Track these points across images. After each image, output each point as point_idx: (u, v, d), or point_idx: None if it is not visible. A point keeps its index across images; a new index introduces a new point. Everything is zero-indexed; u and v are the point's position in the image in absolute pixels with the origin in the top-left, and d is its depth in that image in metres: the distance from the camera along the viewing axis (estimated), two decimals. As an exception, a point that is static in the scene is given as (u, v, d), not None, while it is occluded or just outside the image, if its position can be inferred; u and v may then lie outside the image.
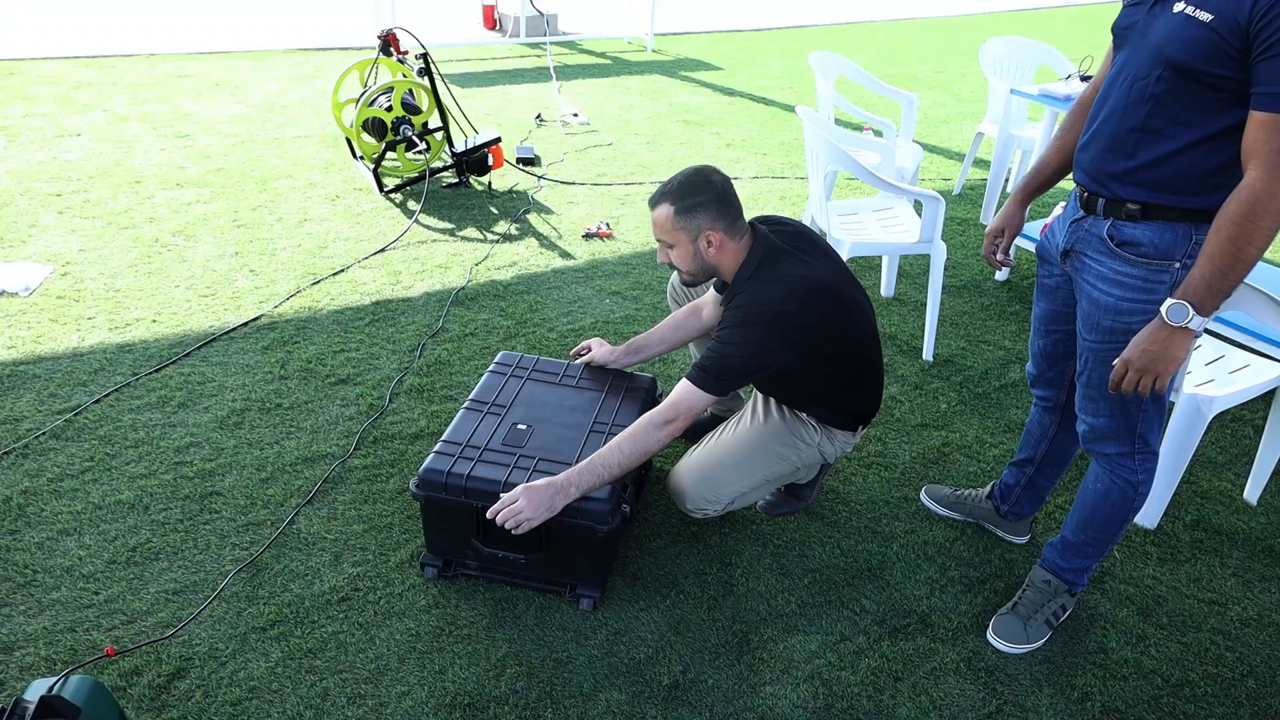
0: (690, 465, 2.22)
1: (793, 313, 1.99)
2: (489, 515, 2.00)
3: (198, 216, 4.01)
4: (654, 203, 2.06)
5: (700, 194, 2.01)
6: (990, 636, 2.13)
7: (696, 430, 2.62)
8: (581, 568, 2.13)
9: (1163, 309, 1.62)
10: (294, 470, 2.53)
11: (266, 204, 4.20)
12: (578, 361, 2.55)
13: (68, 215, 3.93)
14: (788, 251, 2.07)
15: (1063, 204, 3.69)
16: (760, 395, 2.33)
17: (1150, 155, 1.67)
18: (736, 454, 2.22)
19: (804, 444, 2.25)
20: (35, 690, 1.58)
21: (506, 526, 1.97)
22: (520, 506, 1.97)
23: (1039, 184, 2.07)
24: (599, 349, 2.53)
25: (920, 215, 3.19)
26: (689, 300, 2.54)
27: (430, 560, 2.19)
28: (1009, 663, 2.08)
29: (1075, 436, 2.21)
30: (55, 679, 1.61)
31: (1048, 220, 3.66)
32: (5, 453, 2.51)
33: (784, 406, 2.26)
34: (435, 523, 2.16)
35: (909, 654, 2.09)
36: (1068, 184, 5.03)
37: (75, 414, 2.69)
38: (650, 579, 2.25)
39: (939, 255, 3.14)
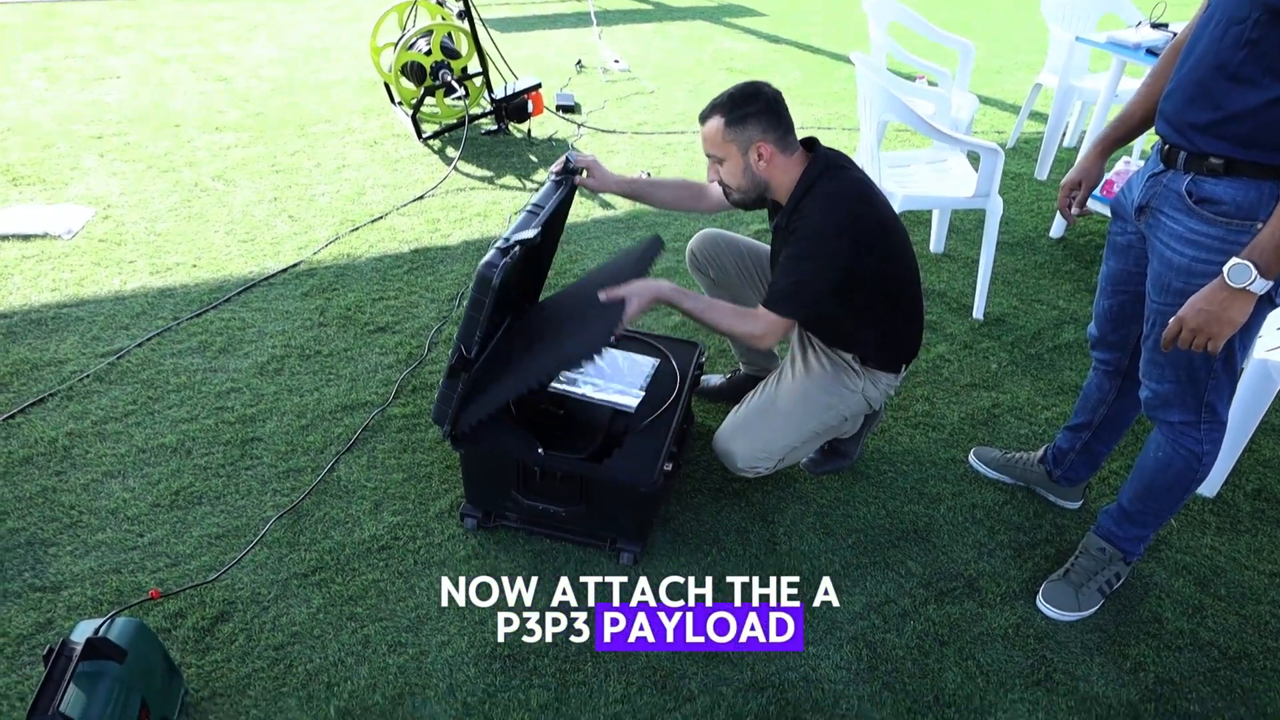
0: (736, 425, 2.17)
1: (861, 216, 1.95)
2: (602, 295, 1.98)
3: (236, 161, 3.98)
4: (704, 116, 2.00)
5: (751, 105, 1.94)
6: (1040, 603, 2.08)
7: (736, 391, 2.56)
8: (623, 522, 2.11)
9: (1225, 269, 1.52)
10: (333, 418, 2.52)
11: (305, 149, 4.16)
12: (557, 174, 2.22)
13: (108, 158, 3.92)
14: (845, 165, 2.03)
15: (1127, 159, 3.54)
16: (798, 348, 2.26)
17: (1239, 105, 1.55)
18: (782, 408, 2.16)
19: (848, 390, 2.18)
20: (82, 631, 1.59)
21: (612, 297, 1.96)
22: (631, 291, 1.96)
23: (1122, 134, 1.94)
24: (595, 168, 2.26)
25: (975, 168, 3.07)
26: (711, 269, 2.45)
27: (470, 511, 2.18)
28: (1059, 630, 2.03)
29: (1136, 402, 2.12)
30: (101, 620, 1.62)
31: (1109, 176, 3.53)
32: (50, 395, 2.53)
33: (823, 354, 2.19)
34: (475, 474, 2.14)
35: (955, 618, 2.04)
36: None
37: (118, 357, 2.70)
38: (692, 535, 2.22)
39: (995, 210, 3.02)
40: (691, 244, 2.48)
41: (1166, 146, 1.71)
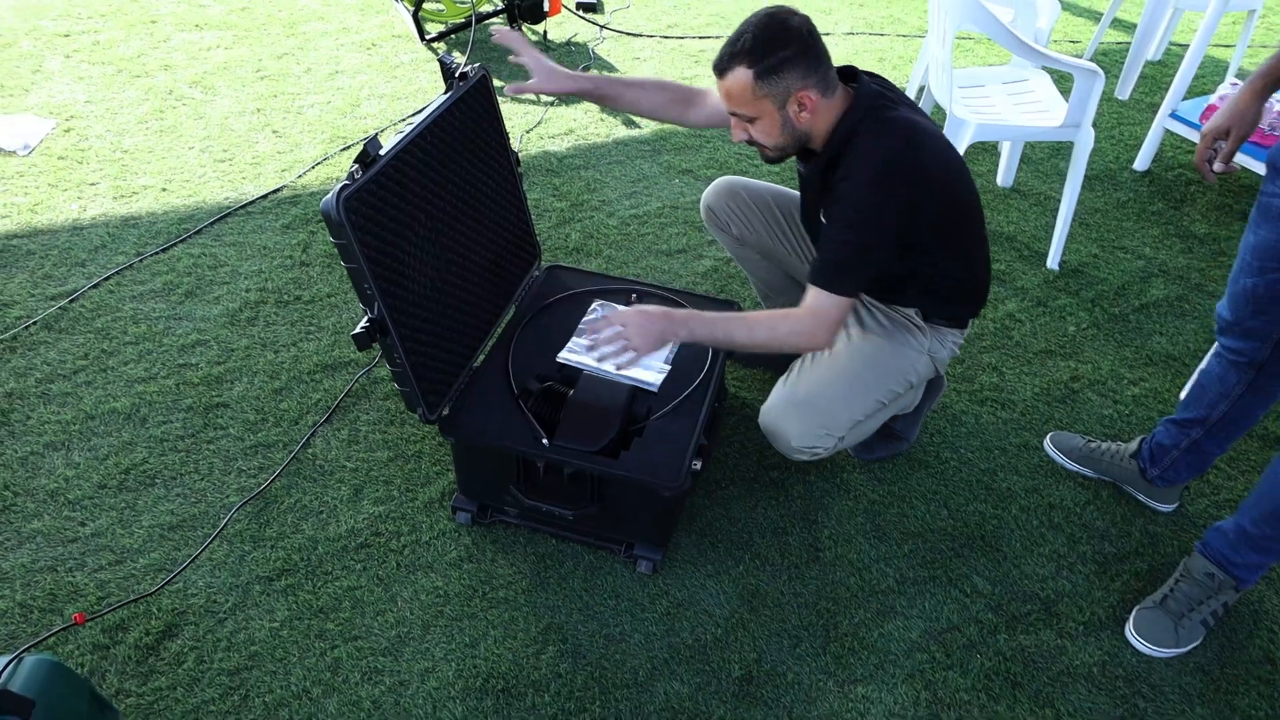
0: (790, 398, 1.80)
1: (913, 159, 1.59)
2: (589, 340, 1.69)
3: (217, 65, 3.55)
4: (723, 68, 1.58)
5: (784, 47, 1.54)
6: (1130, 634, 1.76)
7: (784, 358, 2.20)
8: (641, 525, 1.79)
9: None
10: (312, 380, 2.20)
11: (294, 51, 3.71)
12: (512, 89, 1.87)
13: (75, 60, 3.51)
14: (892, 100, 1.63)
15: (1235, 81, 3.03)
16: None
17: None
18: (841, 375, 1.80)
19: (913, 350, 1.83)
20: (-23, 681, 1.30)
21: (604, 356, 1.66)
22: (630, 334, 1.65)
23: None
24: (536, 64, 1.84)
25: (1056, 89, 2.61)
26: (733, 225, 2.09)
27: (462, 504, 1.87)
28: (1153, 670, 1.71)
29: (1266, 398, 1.76)
30: (7, 661, 1.33)
31: (1212, 100, 3.04)
32: (-10, 345, 2.22)
33: (879, 312, 1.84)
34: (468, 464, 1.82)
35: (1030, 652, 1.73)
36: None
37: (71, 300, 2.37)
38: (721, 536, 1.90)
39: (1085, 144, 2.57)
40: (707, 198, 2.10)
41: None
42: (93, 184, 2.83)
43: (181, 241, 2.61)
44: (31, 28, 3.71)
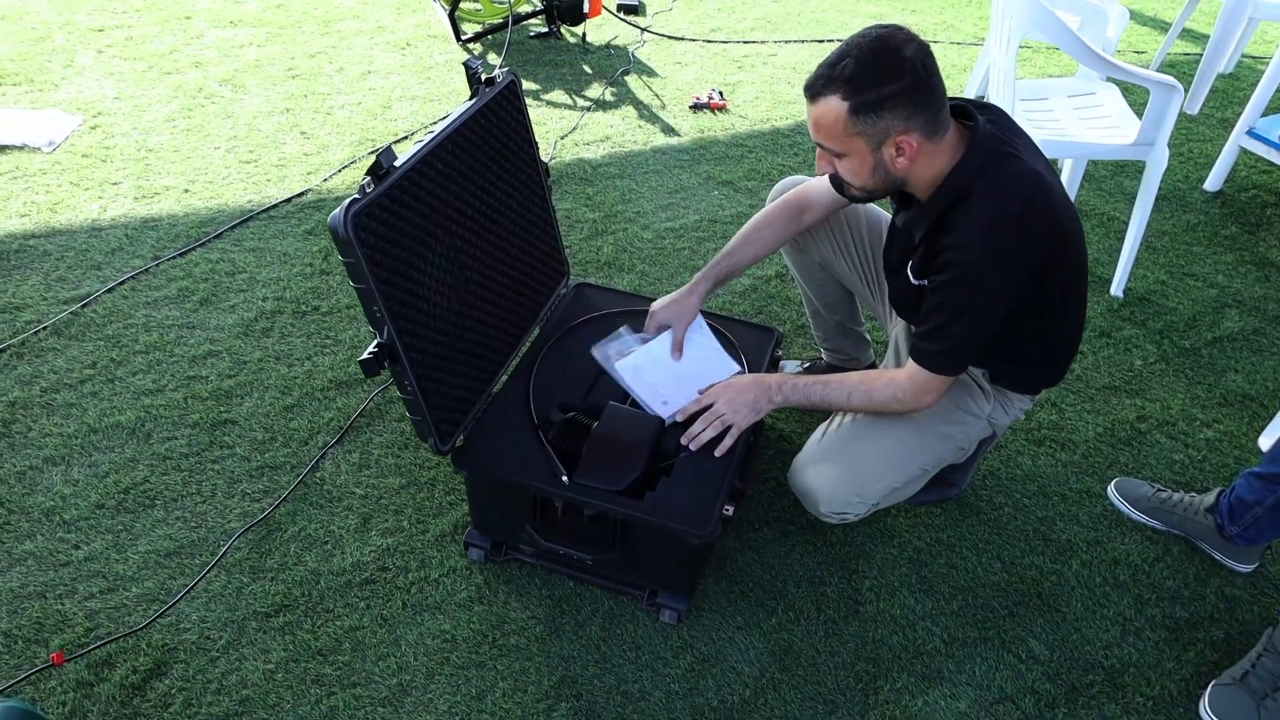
0: (821, 456, 1.65)
1: (1035, 226, 1.41)
2: (685, 440, 1.63)
3: (249, 62, 3.48)
4: (815, 91, 1.36)
5: (890, 81, 1.31)
6: (1206, 713, 1.58)
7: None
8: (666, 572, 1.65)
9: None
10: (325, 397, 2.09)
11: (327, 50, 3.63)
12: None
13: (107, 55, 3.45)
14: (1012, 146, 1.43)
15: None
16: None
17: None
18: (883, 437, 1.63)
19: (971, 416, 1.67)
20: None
21: (703, 441, 1.63)
22: (722, 409, 1.64)
23: None
24: (663, 310, 1.80)
25: (1126, 104, 2.43)
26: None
27: (476, 540, 1.74)
28: (1232, 756, 1.54)
29: (1368, 455, 1.57)
30: (-29, 710, 1.23)
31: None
32: (-2, 351, 2.14)
33: None
34: (481, 499, 1.70)
35: (1093, 729, 1.56)
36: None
37: (83, 305, 2.29)
38: (751, 584, 1.76)
39: (1158, 163, 2.39)
40: (773, 196, 1.92)
41: None
42: (115, 183, 2.75)
43: (200, 245, 2.53)
44: (65, 21, 3.67)
